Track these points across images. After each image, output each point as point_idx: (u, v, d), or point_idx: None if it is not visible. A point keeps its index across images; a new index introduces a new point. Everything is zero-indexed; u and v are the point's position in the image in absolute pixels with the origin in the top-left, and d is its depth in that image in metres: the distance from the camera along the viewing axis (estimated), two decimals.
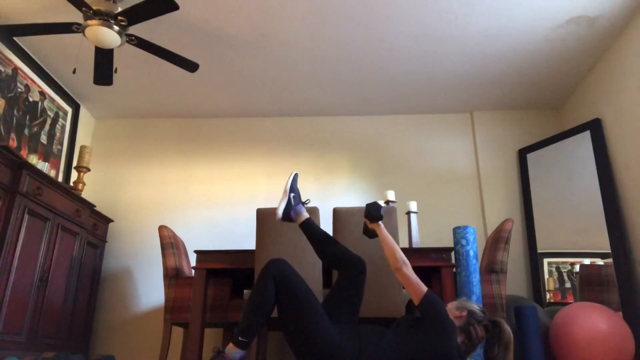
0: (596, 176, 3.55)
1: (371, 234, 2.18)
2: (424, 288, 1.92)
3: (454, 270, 2.75)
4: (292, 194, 2.34)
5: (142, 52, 3.60)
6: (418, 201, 4.19)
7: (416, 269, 2.94)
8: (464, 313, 1.94)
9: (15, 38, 3.43)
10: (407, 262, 1.99)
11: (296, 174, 2.41)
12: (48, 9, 3.14)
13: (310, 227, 2.29)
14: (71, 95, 4.19)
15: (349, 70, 3.85)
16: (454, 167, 4.34)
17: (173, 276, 3.01)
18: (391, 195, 3.31)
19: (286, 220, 2.33)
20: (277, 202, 4.25)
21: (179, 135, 4.55)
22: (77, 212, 3.47)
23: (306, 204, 2.41)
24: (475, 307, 1.97)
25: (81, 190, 3.83)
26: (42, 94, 3.79)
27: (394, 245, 2.04)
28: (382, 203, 2.36)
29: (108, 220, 4.03)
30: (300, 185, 4.31)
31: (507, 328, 1.89)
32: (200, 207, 4.28)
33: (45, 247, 3.11)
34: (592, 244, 3.48)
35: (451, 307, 1.99)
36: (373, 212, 2.11)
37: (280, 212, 2.30)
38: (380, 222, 2.12)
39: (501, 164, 4.28)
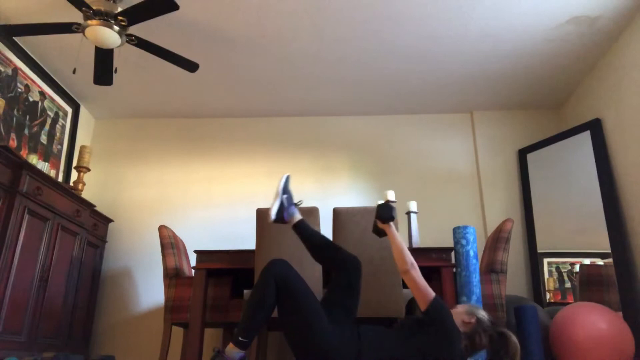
0: (596, 176, 3.55)
1: (380, 233, 2.17)
2: (432, 293, 1.89)
3: (454, 270, 2.75)
4: (284, 196, 2.31)
5: (142, 52, 3.60)
6: (418, 201, 4.19)
7: None
8: (473, 320, 1.92)
9: (15, 38, 3.43)
10: (416, 265, 1.95)
11: (288, 176, 2.38)
12: (48, 9, 3.14)
13: (303, 229, 2.28)
14: (71, 95, 4.19)
15: (349, 70, 3.85)
16: (454, 167, 4.34)
17: (173, 276, 3.01)
18: (391, 195, 3.31)
19: (279, 222, 2.30)
20: None
21: (179, 135, 4.55)
22: (77, 212, 3.47)
23: (299, 205, 2.38)
24: (485, 315, 1.95)
25: (81, 190, 3.83)
26: (42, 94, 3.79)
27: (403, 247, 1.99)
28: (393, 204, 2.31)
29: (108, 220, 4.03)
30: (300, 185, 4.31)
31: (513, 340, 1.88)
32: (200, 207, 4.28)
33: (45, 247, 3.11)
34: (592, 244, 3.48)
35: (461, 311, 1.97)
36: (385, 213, 2.08)
37: (273, 213, 2.26)
38: (391, 223, 2.08)
39: (501, 164, 4.28)
